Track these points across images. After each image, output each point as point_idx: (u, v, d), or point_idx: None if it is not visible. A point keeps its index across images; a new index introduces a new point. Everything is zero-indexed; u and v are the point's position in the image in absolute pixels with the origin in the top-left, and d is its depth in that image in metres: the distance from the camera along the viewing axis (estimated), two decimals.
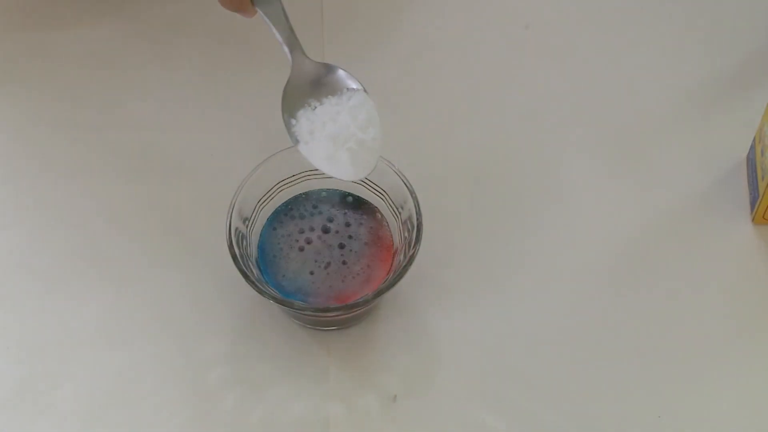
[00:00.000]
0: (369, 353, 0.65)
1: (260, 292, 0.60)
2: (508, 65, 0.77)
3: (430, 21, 0.80)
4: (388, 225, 0.65)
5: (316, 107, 0.61)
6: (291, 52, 0.62)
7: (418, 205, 0.63)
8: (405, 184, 0.63)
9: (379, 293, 0.60)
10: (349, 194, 0.66)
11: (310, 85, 0.62)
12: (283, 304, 0.61)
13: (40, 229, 0.69)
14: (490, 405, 0.63)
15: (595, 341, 0.65)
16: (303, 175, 0.66)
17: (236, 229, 0.62)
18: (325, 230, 0.65)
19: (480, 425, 0.62)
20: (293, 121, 0.61)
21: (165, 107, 0.75)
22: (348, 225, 0.65)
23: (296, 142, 0.61)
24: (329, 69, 0.62)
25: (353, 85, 0.62)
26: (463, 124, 0.74)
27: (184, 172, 0.71)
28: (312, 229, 0.65)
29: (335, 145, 0.60)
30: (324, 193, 0.66)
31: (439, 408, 0.63)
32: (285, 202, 0.66)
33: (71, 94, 0.75)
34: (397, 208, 0.64)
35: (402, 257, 0.62)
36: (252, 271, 0.62)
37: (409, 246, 0.62)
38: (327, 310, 0.61)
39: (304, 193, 0.66)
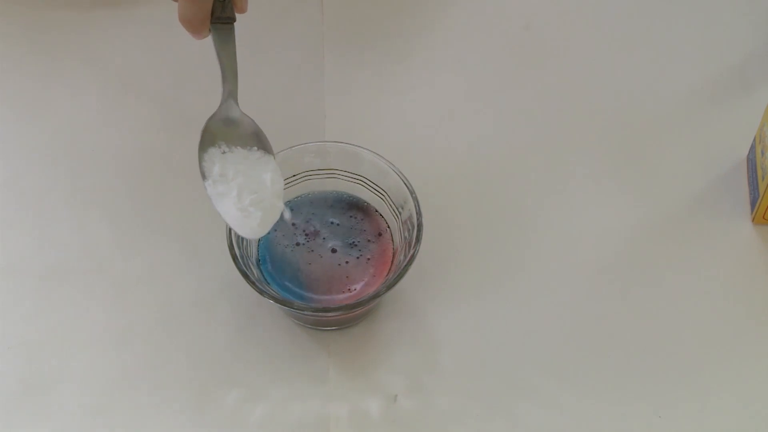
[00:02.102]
0: (369, 353, 0.65)
1: (260, 292, 0.60)
2: (508, 65, 0.77)
3: (430, 21, 0.80)
4: (388, 225, 0.65)
5: (225, 152, 0.61)
6: (226, 90, 0.62)
7: (418, 205, 0.63)
8: (405, 184, 0.64)
9: (379, 293, 0.60)
10: (349, 194, 0.66)
11: (229, 129, 0.62)
12: (283, 304, 0.61)
13: (40, 228, 0.69)
14: (490, 405, 0.63)
15: (595, 341, 0.65)
16: (303, 175, 0.66)
17: None
18: (325, 230, 0.65)
19: (480, 425, 0.62)
20: (205, 156, 0.61)
21: (166, 107, 0.75)
22: (348, 225, 0.65)
23: (204, 177, 0.61)
24: (253, 125, 0.62)
25: (270, 150, 0.62)
26: (464, 124, 0.74)
27: (184, 173, 0.71)
28: (312, 229, 0.65)
29: (250, 201, 0.60)
30: (324, 193, 0.66)
31: (440, 408, 0.63)
32: (285, 202, 0.66)
33: (72, 94, 0.75)
34: (397, 208, 0.64)
35: (402, 257, 0.62)
36: (252, 271, 0.62)
37: (409, 246, 0.62)
38: (327, 310, 0.61)
39: (304, 194, 0.66)
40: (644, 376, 0.64)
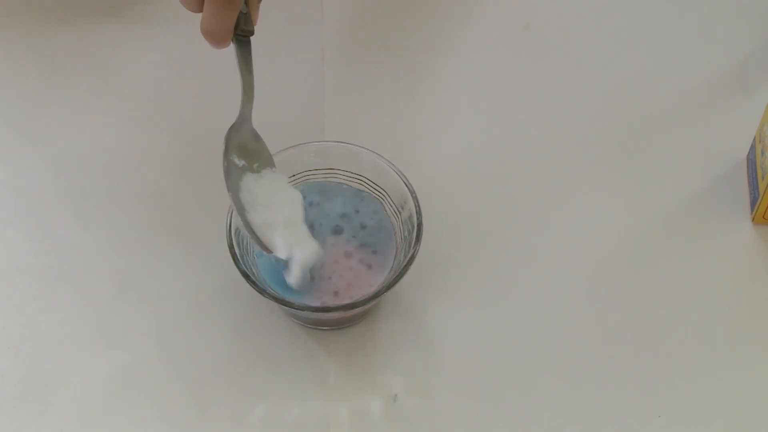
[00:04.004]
0: (369, 353, 0.65)
1: (260, 292, 0.60)
2: (508, 65, 0.77)
3: (429, 21, 0.80)
4: (392, 224, 0.65)
5: (258, 175, 0.62)
6: (249, 107, 0.62)
7: (419, 205, 0.63)
8: (405, 184, 0.64)
9: (379, 293, 0.60)
10: (352, 187, 0.66)
11: (256, 146, 0.62)
12: (283, 304, 0.61)
13: (40, 228, 0.69)
14: (490, 405, 0.63)
15: (595, 341, 0.65)
16: (302, 175, 0.66)
17: (236, 229, 0.62)
18: (325, 229, 0.65)
19: (480, 425, 0.62)
20: (241, 185, 0.61)
21: (166, 107, 0.75)
22: (347, 225, 0.65)
23: (243, 209, 0.60)
24: (260, 140, 0.63)
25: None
26: (463, 124, 0.74)
27: (184, 172, 0.71)
28: (312, 229, 0.65)
29: (295, 239, 0.61)
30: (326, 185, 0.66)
31: (440, 408, 0.63)
32: None
33: (72, 93, 0.75)
34: (397, 208, 0.64)
35: (402, 257, 0.62)
36: (252, 271, 0.62)
37: (409, 246, 0.62)
38: (327, 310, 0.61)
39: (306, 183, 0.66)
40: (644, 376, 0.64)
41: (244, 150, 0.62)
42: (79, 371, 0.64)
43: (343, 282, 0.63)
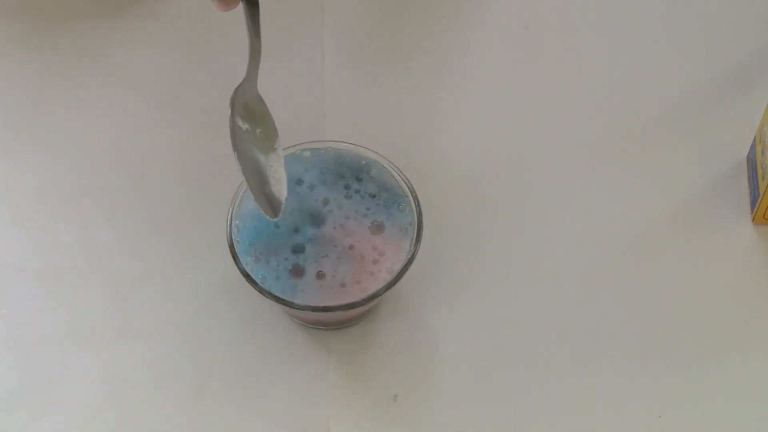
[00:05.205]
0: (369, 353, 0.65)
1: (260, 291, 0.60)
2: (508, 65, 0.77)
3: (429, 21, 0.80)
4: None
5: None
6: (252, 63, 0.60)
7: (419, 205, 0.63)
8: (405, 184, 0.64)
9: (379, 293, 0.60)
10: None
11: (257, 108, 0.61)
12: (283, 304, 0.61)
13: (40, 229, 0.69)
14: (490, 404, 0.63)
15: (595, 341, 0.65)
16: None
17: (236, 228, 0.62)
18: (325, 229, 0.65)
19: (480, 425, 0.62)
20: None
21: (167, 107, 0.75)
22: (347, 224, 0.65)
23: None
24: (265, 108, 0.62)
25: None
26: (464, 123, 0.74)
27: (184, 172, 0.71)
28: (312, 228, 0.65)
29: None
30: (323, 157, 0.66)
31: (440, 408, 0.63)
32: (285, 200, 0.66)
33: (71, 94, 0.75)
34: None
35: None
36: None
37: (409, 246, 0.62)
38: (327, 309, 0.61)
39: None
40: (644, 376, 0.64)
41: (249, 112, 0.61)
42: (79, 371, 0.64)
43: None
